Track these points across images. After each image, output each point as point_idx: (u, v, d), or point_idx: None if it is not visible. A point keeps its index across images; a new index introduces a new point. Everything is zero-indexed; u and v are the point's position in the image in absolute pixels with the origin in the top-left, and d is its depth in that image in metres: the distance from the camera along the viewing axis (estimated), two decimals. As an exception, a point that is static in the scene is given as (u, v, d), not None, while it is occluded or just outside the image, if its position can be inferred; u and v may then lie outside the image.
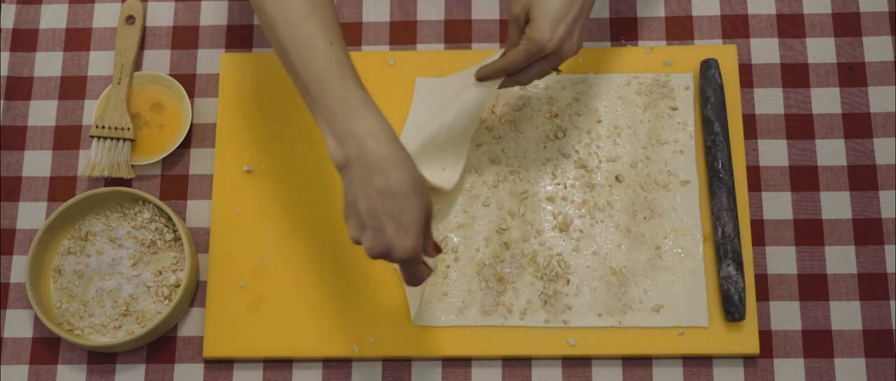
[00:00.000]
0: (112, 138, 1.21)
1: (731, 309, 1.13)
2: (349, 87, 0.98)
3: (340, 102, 0.97)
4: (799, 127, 1.23)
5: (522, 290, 1.16)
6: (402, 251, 0.96)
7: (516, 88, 1.22)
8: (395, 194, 0.95)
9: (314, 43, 0.98)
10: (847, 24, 1.26)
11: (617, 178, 1.19)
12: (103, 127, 1.21)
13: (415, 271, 1.00)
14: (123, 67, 1.24)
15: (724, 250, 1.14)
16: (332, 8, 1.01)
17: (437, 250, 1.03)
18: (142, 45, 1.28)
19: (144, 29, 1.28)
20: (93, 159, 1.21)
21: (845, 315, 1.16)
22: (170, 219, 1.19)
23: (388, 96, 1.24)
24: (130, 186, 1.23)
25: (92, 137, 1.21)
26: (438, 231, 1.18)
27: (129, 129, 1.22)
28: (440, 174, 1.15)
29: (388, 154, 0.96)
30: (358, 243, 0.98)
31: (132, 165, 1.22)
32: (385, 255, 0.97)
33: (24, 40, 1.30)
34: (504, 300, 1.15)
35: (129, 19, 1.27)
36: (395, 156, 0.96)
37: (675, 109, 1.21)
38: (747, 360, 1.15)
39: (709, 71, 1.20)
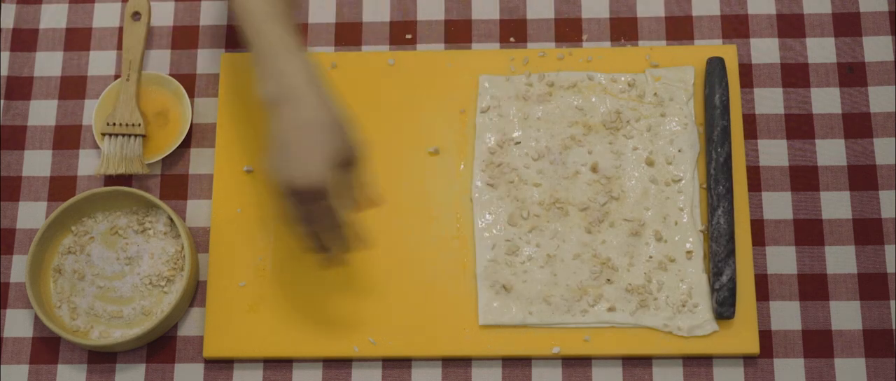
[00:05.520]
0: (123, 135, 1.21)
1: (729, 303, 1.13)
2: (282, 32, 1.04)
3: (273, 43, 1.04)
4: (799, 127, 1.23)
5: (526, 291, 1.16)
6: (303, 178, 0.99)
7: (525, 94, 1.23)
8: (312, 125, 1.00)
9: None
10: (847, 24, 1.26)
11: (617, 177, 1.19)
12: (114, 124, 1.22)
13: (314, 212, 1.02)
14: (132, 63, 1.24)
15: (718, 248, 1.14)
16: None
17: (370, 203, 1.07)
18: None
19: (150, 25, 1.28)
20: (105, 156, 1.21)
21: (845, 315, 1.16)
22: (170, 219, 1.19)
23: (389, 96, 1.24)
24: (132, 184, 1.23)
25: (103, 135, 1.21)
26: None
27: (139, 125, 1.22)
28: None
29: (312, 91, 1.01)
30: (274, 178, 1.01)
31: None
32: (289, 183, 0.99)
33: (24, 40, 1.30)
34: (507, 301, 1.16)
35: (135, 15, 1.27)
36: (318, 93, 1.02)
37: (675, 107, 1.21)
38: (747, 360, 1.15)
39: (714, 69, 1.20)
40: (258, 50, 1.05)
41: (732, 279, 1.13)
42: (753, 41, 1.26)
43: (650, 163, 1.19)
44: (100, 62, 1.29)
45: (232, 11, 1.07)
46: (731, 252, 1.14)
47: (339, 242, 1.07)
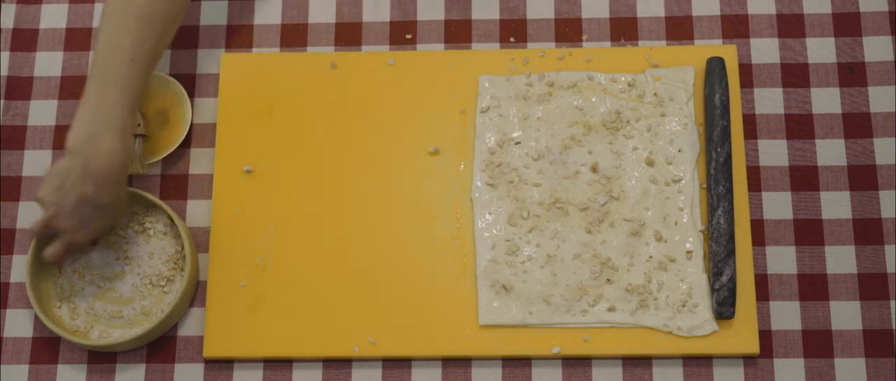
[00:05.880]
0: None
1: (729, 303, 1.13)
2: (122, 105, 1.09)
3: (107, 111, 1.09)
4: (799, 127, 1.23)
5: (526, 291, 1.16)
6: (70, 238, 1.11)
7: (525, 96, 1.22)
8: (98, 206, 1.09)
9: (120, 53, 1.10)
10: (847, 24, 1.26)
11: (617, 177, 1.19)
12: None
13: (64, 253, 1.13)
14: None
15: (718, 248, 1.14)
16: (159, 27, 1.12)
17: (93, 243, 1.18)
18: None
19: None
20: None
21: (845, 315, 1.16)
22: (170, 219, 1.19)
23: (389, 96, 1.24)
24: (132, 184, 1.23)
25: None
26: None
27: (140, 125, 1.22)
28: None
29: (113, 178, 1.09)
30: (41, 203, 1.10)
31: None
32: (52, 229, 1.11)
33: (24, 40, 1.30)
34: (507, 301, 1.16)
35: None
36: (115, 180, 1.09)
37: (675, 107, 1.21)
38: (747, 360, 1.15)
39: (714, 69, 1.20)
40: (94, 106, 1.08)
41: (732, 279, 1.13)
42: (753, 41, 1.26)
43: (650, 163, 1.19)
44: (100, 62, 1.29)
45: (95, 55, 1.11)
46: (731, 252, 1.14)
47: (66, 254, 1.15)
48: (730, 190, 1.16)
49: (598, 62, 1.24)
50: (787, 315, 1.16)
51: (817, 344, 1.15)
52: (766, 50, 1.26)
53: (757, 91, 1.24)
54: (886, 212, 1.19)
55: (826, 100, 1.23)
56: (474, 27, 1.28)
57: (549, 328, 1.15)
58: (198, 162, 1.24)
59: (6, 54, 1.29)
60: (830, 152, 1.21)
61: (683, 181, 1.19)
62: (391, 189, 1.21)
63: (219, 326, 1.17)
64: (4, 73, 1.28)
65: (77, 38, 1.30)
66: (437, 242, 1.19)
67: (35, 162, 1.25)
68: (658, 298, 1.15)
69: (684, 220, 1.18)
